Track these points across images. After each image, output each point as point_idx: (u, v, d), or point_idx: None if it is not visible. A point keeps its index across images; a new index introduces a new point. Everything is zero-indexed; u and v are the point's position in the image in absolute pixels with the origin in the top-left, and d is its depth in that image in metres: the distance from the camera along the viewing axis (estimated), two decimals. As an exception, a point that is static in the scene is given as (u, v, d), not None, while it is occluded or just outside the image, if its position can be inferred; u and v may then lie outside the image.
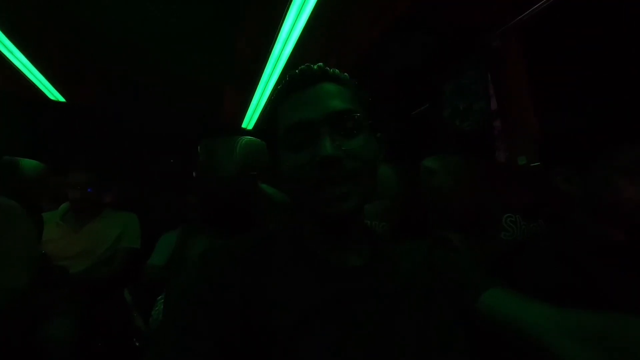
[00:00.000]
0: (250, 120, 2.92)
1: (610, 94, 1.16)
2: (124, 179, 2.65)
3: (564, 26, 1.38)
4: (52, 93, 2.58)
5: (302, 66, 0.58)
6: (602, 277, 0.71)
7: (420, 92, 2.18)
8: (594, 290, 0.69)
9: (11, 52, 2.06)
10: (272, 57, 1.84)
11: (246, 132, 3.04)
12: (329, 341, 0.48)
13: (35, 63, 2.22)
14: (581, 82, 1.29)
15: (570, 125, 0.82)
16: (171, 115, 3.09)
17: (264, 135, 0.63)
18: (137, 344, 1.56)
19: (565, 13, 1.34)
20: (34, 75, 2.34)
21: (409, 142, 2.25)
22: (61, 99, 2.65)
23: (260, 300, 0.51)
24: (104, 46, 2.22)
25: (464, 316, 0.55)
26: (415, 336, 0.52)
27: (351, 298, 0.53)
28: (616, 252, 0.75)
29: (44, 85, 2.48)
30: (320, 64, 0.58)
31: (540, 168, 0.90)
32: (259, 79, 2.13)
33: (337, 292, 0.53)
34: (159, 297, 1.45)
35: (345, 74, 0.60)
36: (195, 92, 2.74)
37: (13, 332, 1.14)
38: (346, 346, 0.49)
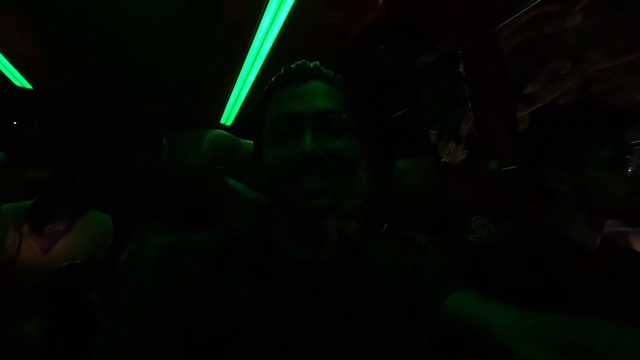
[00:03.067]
0: (229, 116, 2.87)
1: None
2: (95, 172, 2.55)
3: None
4: (18, 79, 2.45)
5: (299, 62, 0.59)
6: (570, 281, 0.72)
7: (399, 96, 2.20)
8: (561, 293, 0.70)
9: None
10: (251, 52, 1.82)
11: (224, 127, 2.99)
12: (291, 337, 0.47)
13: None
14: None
15: (556, 123, 0.84)
16: (146, 108, 3.00)
17: (249, 125, 0.64)
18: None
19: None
20: (-2, 61, 2.22)
21: (385, 144, 2.27)
22: (28, 86, 2.52)
23: (221, 296, 0.49)
24: (75, 33, 2.12)
25: (430, 317, 0.55)
26: (379, 336, 0.51)
27: (316, 294, 0.52)
28: (584, 256, 0.77)
29: (8, 71, 2.35)
30: (317, 62, 0.60)
31: (510, 172, 0.92)
32: (238, 74, 2.10)
33: (302, 288, 0.52)
34: None
35: (339, 76, 0.62)
36: (172, 86, 2.66)
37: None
38: (309, 343, 0.48)
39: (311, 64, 0.59)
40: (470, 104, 1.71)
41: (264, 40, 1.71)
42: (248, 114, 0.65)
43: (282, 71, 0.60)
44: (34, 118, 2.71)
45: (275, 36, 1.66)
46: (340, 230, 0.64)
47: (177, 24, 1.90)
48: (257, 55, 1.85)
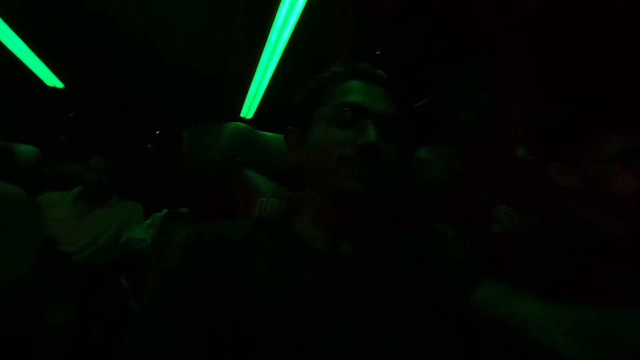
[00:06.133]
0: (249, 109, 2.89)
1: (607, 85, 1.14)
2: (127, 165, 2.66)
3: (565, 18, 1.34)
4: (50, 79, 2.56)
5: (366, 64, 0.62)
6: (600, 272, 0.70)
7: (423, 84, 2.14)
8: (591, 285, 0.68)
9: (7, 37, 2.04)
10: (268, 44, 1.81)
11: (245, 120, 3.03)
12: (314, 329, 0.47)
13: (33, 48, 2.21)
14: (580, 73, 1.26)
15: (562, 117, 0.81)
16: (170, 103, 3.08)
17: (298, 104, 0.66)
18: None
19: (567, 4, 1.30)
20: (31, 61, 2.32)
21: (409, 133, 2.22)
22: (60, 85, 2.63)
23: (246, 286, 0.50)
24: (101, 32, 2.20)
25: (456, 310, 0.54)
26: (404, 327, 0.51)
27: (340, 286, 0.52)
28: (614, 247, 0.74)
29: (41, 72, 2.46)
30: (381, 71, 0.63)
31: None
32: (257, 67, 2.10)
33: (326, 280, 0.52)
34: None
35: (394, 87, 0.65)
36: (194, 80, 2.71)
37: (13, 319, 1.14)
38: (332, 334, 0.48)
39: (378, 70, 0.63)
40: (498, 90, 1.64)
41: (281, 31, 1.69)
42: (300, 92, 0.67)
43: (351, 66, 0.62)
44: (66, 115, 2.84)
45: (293, 26, 1.65)
46: (362, 220, 0.63)
47: (198, 22, 1.93)
48: (275, 46, 1.84)
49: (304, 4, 1.50)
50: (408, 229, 0.69)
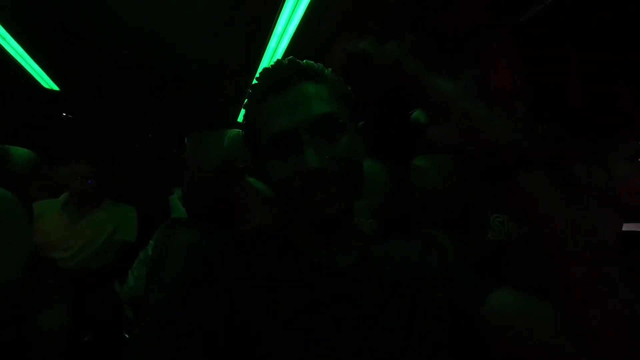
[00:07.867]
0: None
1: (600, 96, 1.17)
2: (121, 170, 2.65)
3: (556, 29, 1.37)
4: (46, 81, 2.55)
5: (275, 63, 0.55)
6: None
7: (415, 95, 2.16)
8: None
9: (3, 38, 2.04)
10: (267, 51, 1.83)
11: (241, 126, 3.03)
12: (314, 342, 0.48)
13: (29, 50, 2.20)
14: (572, 83, 1.29)
15: (580, 120, 0.84)
16: (167, 109, 3.07)
17: (244, 139, 0.61)
18: (127, 335, 1.55)
19: (558, 16, 1.33)
20: (27, 63, 2.31)
21: (403, 141, 2.24)
22: (55, 87, 2.62)
23: (246, 298, 0.50)
24: (102, 36, 2.20)
25: (465, 319, 0.53)
26: (401, 337, 0.51)
27: (339, 298, 0.53)
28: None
29: (37, 73, 2.44)
30: (291, 57, 0.55)
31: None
32: (255, 74, 2.11)
33: (325, 292, 0.53)
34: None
35: (321, 65, 0.57)
36: (191, 86, 2.72)
37: (5, 324, 1.13)
38: (332, 347, 0.48)
39: (286, 61, 0.54)
40: (490, 99, 1.67)
41: (280, 38, 1.72)
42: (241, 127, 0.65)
43: (261, 77, 0.55)
44: (62, 118, 2.82)
45: (292, 34, 1.67)
46: (357, 230, 0.64)
47: (196, 25, 1.94)
48: (274, 54, 1.86)
49: (303, 12, 1.53)
50: (405, 238, 0.69)
